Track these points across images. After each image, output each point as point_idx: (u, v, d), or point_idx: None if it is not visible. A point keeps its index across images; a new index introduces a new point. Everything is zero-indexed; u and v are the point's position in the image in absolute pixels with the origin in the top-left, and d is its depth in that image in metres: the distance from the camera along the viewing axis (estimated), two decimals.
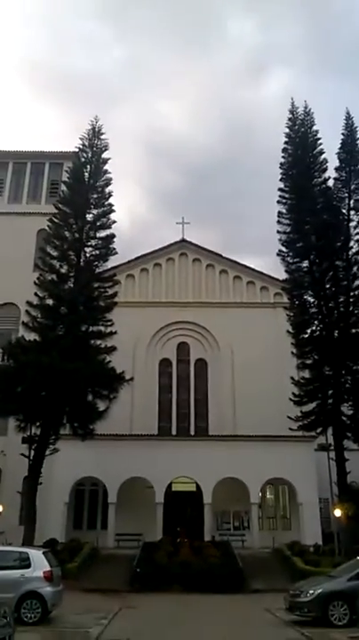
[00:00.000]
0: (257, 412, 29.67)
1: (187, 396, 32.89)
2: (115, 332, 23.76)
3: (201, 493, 26.97)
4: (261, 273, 35.24)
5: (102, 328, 23.93)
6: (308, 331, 27.17)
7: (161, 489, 26.73)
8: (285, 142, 29.25)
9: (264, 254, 72.31)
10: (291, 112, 29.85)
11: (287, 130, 29.51)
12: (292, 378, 27.13)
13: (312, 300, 27.37)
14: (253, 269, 35.56)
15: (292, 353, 27.60)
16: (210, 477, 26.77)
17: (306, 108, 29.72)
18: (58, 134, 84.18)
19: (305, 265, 27.67)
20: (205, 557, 21.28)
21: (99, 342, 23.75)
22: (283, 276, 29.02)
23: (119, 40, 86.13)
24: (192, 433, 31.47)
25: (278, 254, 28.06)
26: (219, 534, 26.75)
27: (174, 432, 31.48)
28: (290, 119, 29.75)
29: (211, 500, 26.65)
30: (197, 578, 19.39)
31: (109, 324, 23.98)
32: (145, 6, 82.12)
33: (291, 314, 27.69)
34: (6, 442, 28.27)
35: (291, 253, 27.85)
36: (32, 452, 22.63)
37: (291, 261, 27.92)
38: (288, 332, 27.53)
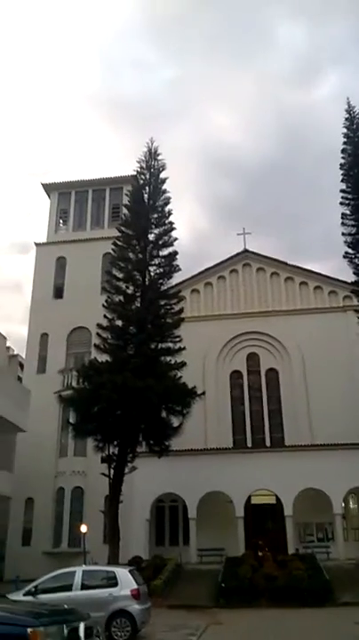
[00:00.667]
0: (333, 420, 29.01)
1: (260, 407, 32.55)
2: (184, 348, 23.89)
3: (281, 506, 26.53)
4: (328, 277, 34.55)
5: (171, 344, 24.11)
6: None
7: (240, 502, 26.50)
8: (344, 142, 28.69)
9: (330, 258, 70.95)
10: (348, 111, 29.24)
11: (345, 130, 28.98)
12: None
13: None
14: (319, 274, 34.94)
15: None
16: (289, 489, 26.29)
17: None
18: (117, 159, 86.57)
19: None
20: (290, 570, 20.87)
21: (168, 359, 23.92)
22: (351, 278, 28.34)
23: (167, 61, 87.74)
24: (268, 444, 31.08)
25: (345, 256, 27.41)
26: (302, 547, 26.17)
27: (249, 444, 31.21)
28: (347, 119, 29.17)
29: (291, 511, 26.14)
30: (283, 592, 19.08)
31: (178, 340, 24.14)
32: (191, 25, 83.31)
33: None
34: (86, 462, 28.97)
35: (358, 254, 27.19)
36: (111, 472, 23.03)
37: (358, 262, 27.25)
38: None
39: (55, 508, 29.72)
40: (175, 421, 23.21)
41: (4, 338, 33.87)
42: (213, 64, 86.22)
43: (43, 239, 36.95)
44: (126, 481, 23.38)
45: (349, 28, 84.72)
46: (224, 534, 26.17)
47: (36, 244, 36.62)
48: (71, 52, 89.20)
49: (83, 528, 25.32)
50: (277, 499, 26.84)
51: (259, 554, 24.41)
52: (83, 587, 13.12)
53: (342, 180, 28.18)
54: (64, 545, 28.58)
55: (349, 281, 29.34)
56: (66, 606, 8.16)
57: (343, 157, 28.45)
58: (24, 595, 13.08)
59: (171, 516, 29.33)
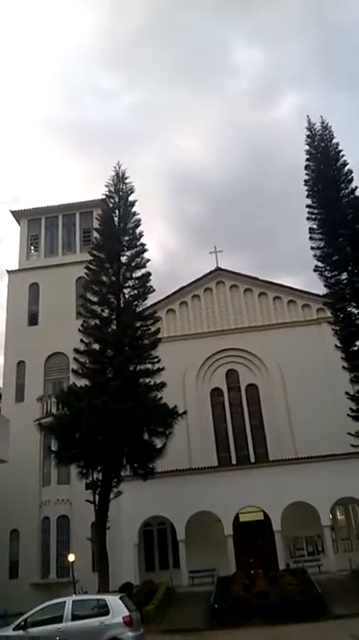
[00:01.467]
0: (316, 432, 29.21)
1: (242, 423, 32.57)
2: (163, 369, 23.87)
3: (269, 521, 26.44)
4: (301, 291, 35.02)
5: (150, 366, 24.08)
6: (357, 343, 26.73)
7: (228, 521, 26.33)
8: (307, 159, 29.41)
9: (301, 271, 71.99)
10: (309, 129, 30.11)
11: (307, 147, 29.72)
12: (347, 393, 26.63)
13: (356, 312, 27.01)
14: (292, 288, 35.40)
15: (344, 367, 27.13)
16: (276, 504, 26.23)
17: (323, 122, 29.95)
18: (85, 183, 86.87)
19: (344, 277, 27.44)
20: (282, 586, 20.77)
21: (148, 380, 23.88)
22: (323, 291, 28.82)
23: (129, 86, 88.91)
24: (252, 460, 31.06)
25: (315, 270, 27.94)
26: (293, 561, 26.08)
27: (234, 461, 31.15)
28: (308, 136, 29.99)
29: (280, 526, 26.04)
30: (277, 608, 18.90)
31: (156, 360, 24.13)
32: (149, 50, 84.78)
33: (337, 328, 27.34)
34: (70, 490, 28.60)
35: (327, 267, 27.68)
36: (97, 498, 22.73)
37: (328, 275, 27.73)
38: (336, 346, 27.16)
39: (41, 538, 29.17)
40: (158, 443, 23.07)
41: None
42: (175, 88, 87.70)
43: (15, 266, 36.78)
44: (112, 506, 23.13)
45: (305, 49, 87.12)
46: (214, 554, 25.95)
47: (8, 272, 36.41)
48: (32, 78, 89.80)
49: (71, 557, 24.90)
50: (265, 514, 26.77)
51: (251, 571, 24.24)
52: (74, 617, 12.84)
53: (307, 196, 28.83)
54: (52, 575, 28.03)
55: (321, 294, 29.85)
56: (58, 639, 8.02)
57: (307, 174, 29.14)
58: (14, 629, 12.79)
59: (160, 540, 28.99)
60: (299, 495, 26.05)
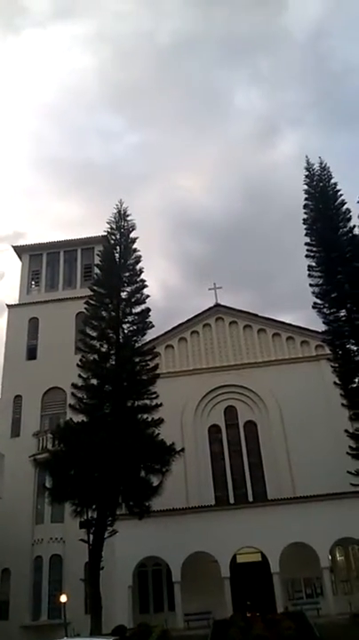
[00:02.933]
0: (315, 470, 28.88)
1: (240, 461, 32.17)
2: (161, 405, 23.76)
3: (267, 562, 25.84)
4: (300, 327, 35.07)
5: (147, 401, 23.97)
6: (356, 380, 26.67)
7: (225, 562, 25.72)
8: (306, 198, 29.97)
9: (300, 308, 72.24)
10: (308, 169, 30.81)
11: (306, 186, 30.34)
12: (347, 430, 26.42)
13: (355, 349, 27.04)
14: (291, 325, 35.46)
15: (343, 404, 27.01)
16: (274, 545, 25.68)
17: (321, 163, 30.70)
18: (87, 220, 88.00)
19: (342, 314, 27.61)
20: (280, 631, 20.10)
21: (145, 416, 23.72)
22: (322, 327, 28.92)
23: (132, 128, 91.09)
24: (250, 499, 30.55)
25: (314, 307, 28.12)
26: (291, 604, 25.39)
27: (232, 500, 30.66)
28: (307, 176, 30.67)
29: (278, 568, 25.43)
30: None
31: (154, 396, 24.03)
32: (151, 93, 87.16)
33: (336, 365, 27.33)
34: (64, 528, 28.04)
35: (326, 304, 27.87)
36: (91, 537, 22.30)
37: (327, 312, 27.89)
38: (335, 383, 27.09)
39: (33, 577, 28.40)
40: (155, 480, 22.78)
41: None
42: (177, 129, 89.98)
43: (16, 300, 36.95)
44: (106, 546, 22.70)
45: (303, 92, 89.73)
46: (210, 596, 25.29)
47: (8, 306, 36.55)
48: (36, 120, 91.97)
49: (63, 598, 24.26)
50: (263, 555, 26.18)
51: (248, 614, 23.57)
52: None
53: (306, 234, 29.27)
54: (44, 617, 27.19)
55: (320, 330, 29.94)
56: None
57: (305, 212, 29.65)
58: None
59: (155, 581, 28.25)
60: (298, 536, 25.55)
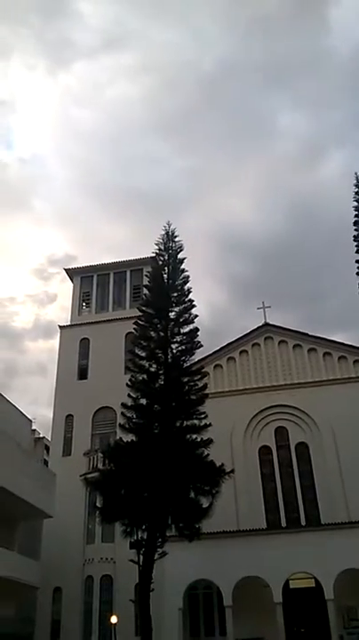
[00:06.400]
0: None
1: (292, 484, 31.42)
2: (210, 425, 23.55)
3: (321, 589, 25.06)
4: (352, 346, 34.22)
5: (196, 421, 23.81)
6: None
7: (278, 587, 25.06)
8: (355, 215, 29.50)
9: (351, 327, 70.77)
10: (357, 185, 30.31)
11: (355, 203, 29.84)
12: None
13: None
14: (343, 344, 34.66)
15: None
16: (329, 570, 24.88)
17: None
18: (135, 243, 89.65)
19: None
20: None
21: (194, 436, 23.59)
22: None
23: (179, 153, 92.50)
24: (303, 523, 29.78)
25: None
26: (346, 632, 24.52)
27: (284, 524, 29.97)
28: (356, 192, 30.16)
29: (333, 595, 24.60)
30: None
31: (203, 416, 23.86)
32: (198, 118, 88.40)
33: None
34: (115, 549, 28.06)
35: None
36: (141, 558, 22.20)
37: None
38: None
39: (84, 598, 28.47)
40: (204, 502, 22.51)
41: (30, 421, 33.83)
42: (223, 152, 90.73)
43: (67, 322, 37.75)
44: (156, 567, 22.50)
45: (348, 111, 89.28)
46: (263, 622, 24.68)
47: (60, 327, 37.37)
48: (89, 152, 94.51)
49: (114, 619, 24.22)
50: (317, 581, 25.41)
51: None
52: None
53: (357, 252, 28.74)
54: (94, 637, 27.11)
55: None
56: None
57: (356, 229, 29.14)
58: None
59: (206, 604, 27.84)
60: (353, 562, 24.70)
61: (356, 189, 30.20)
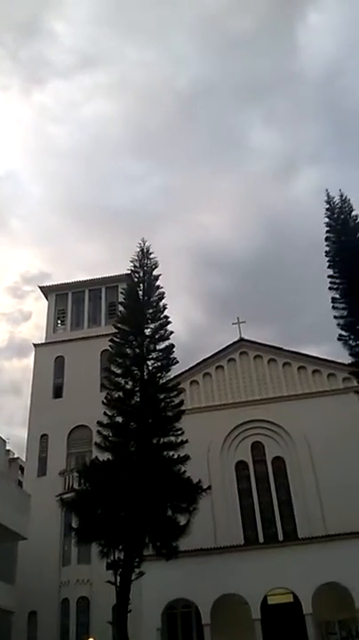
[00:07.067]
0: (347, 506, 27.98)
1: (269, 499, 31.42)
2: (187, 441, 23.49)
3: (299, 604, 25.00)
4: (326, 360, 34.57)
5: (173, 438, 23.73)
6: None
7: (256, 604, 24.93)
8: (327, 231, 29.90)
9: (325, 341, 71.47)
10: (328, 202, 30.76)
11: (327, 219, 30.30)
12: None
13: None
14: (317, 357, 35.04)
15: None
16: (307, 585, 24.86)
17: (342, 196, 30.55)
18: (110, 260, 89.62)
19: None
20: None
21: (171, 453, 23.51)
22: (348, 359, 28.48)
23: (154, 171, 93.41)
24: (281, 538, 29.76)
25: (339, 339, 27.69)
26: None
27: (261, 539, 29.91)
28: (328, 209, 30.59)
29: (311, 609, 24.56)
30: None
31: (180, 433, 23.80)
32: (172, 136, 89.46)
33: None
34: (91, 570, 27.65)
35: (352, 336, 27.49)
36: (118, 579, 21.90)
37: (353, 344, 27.47)
38: None
39: (61, 621, 27.91)
40: (182, 519, 22.39)
41: (4, 441, 33.23)
42: (198, 169, 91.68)
43: (42, 340, 37.43)
44: (134, 587, 22.21)
45: (320, 129, 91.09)
46: (241, 639, 24.52)
47: (35, 345, 37.05)
48: (63, 164, 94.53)
49: None
50: (295, 596, 25.36)
51: None
52: None
53: (329, 267, 29.08)
54: None
55: (346, 362, 29.50)
56: None
57: (327, 245, 29.53)
58: None
59: (184, 623, 27.53)
60: (331, 575, 24.75)
61: (328, 206, 30.73)
